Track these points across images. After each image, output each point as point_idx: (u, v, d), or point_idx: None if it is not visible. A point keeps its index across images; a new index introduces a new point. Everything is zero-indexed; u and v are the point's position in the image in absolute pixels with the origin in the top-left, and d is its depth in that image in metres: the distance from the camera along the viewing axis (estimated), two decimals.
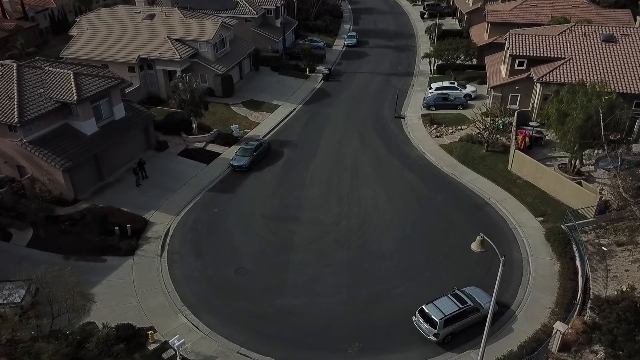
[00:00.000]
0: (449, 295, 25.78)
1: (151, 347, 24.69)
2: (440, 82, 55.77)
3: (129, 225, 32.36)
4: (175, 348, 23.66)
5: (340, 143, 45.47)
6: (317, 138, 46.55)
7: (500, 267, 18.88)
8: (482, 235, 20.02)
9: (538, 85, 45.15)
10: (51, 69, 38.05)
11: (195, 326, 26.11)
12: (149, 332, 24.92)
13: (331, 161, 42.31)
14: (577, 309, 26.28)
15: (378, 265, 30.23)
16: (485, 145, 42.64)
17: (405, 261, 30.52)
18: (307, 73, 62.42)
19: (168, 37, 51.89)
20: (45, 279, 22.92)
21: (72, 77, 36.45)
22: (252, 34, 65.21)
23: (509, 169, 40.00)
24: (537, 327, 25.52)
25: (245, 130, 47.29)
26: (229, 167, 41.11)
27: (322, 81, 60.59)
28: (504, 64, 50.83)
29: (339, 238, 32.67)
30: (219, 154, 43.28)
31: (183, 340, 23.95)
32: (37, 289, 26.12)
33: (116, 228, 32.17)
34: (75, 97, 35.36)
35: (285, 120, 50.52)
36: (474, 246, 20.19)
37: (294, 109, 52.86)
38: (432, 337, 24.48)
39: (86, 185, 36.81)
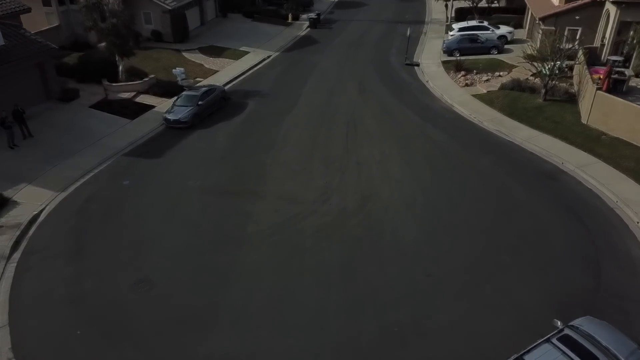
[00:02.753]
0: (554, 341, 12.22)
1: None
2: (465, 22, 42.36)
3: None
4: None
5: (331, 93, 31.89)
6: (297, 87, 32.94)
7: None
8: None
9: (612, 9, 31.82)
10: None
11: None
12: None
13: (317, 114, 28.73)
14: None
15: (395, 271, 16.68)
16: (543, 92, 29.28)
17: (443, 264, 17.01)
18: (290, 20, 48.93)
19: None
20: None
21: None
22: None
23: (585, 121, 26.64)
24: None
25: (197, 79, 33.55)
26: (162, 123, 27.64)
27: (309, 28, 47.08)
28: None
29: (326, 224, 19.11)
30: (153, 106, 29.65)
31: None
32: None
33: None
34: None
35: (255, 68, 36.93)
36: None
37: (269, 56, 39.23)
38: None
39: None
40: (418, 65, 37.23)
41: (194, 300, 15.45)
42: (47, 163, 23.37)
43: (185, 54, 38.15)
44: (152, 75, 32.33)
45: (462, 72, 34.41)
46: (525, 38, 40.11)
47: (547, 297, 15.44)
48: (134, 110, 29.16)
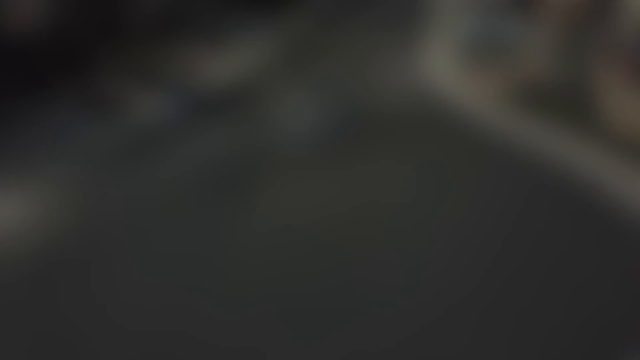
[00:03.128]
0: None
1: None
2: (482, 10, 40.18)
3: None
4: None
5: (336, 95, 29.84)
6: (298, 83, 30.97)
7: None
8: None
9: None
10: None
11: None
12: None
13: (317, 115, 26.69)
14: None
15: (402, 297, 14.46)
16: (561, 89, 27.06)
17: (456, 286, 14.80)
18: (289, 13, 46.96)
19: None
20: None
21: None
22: None
23: (614, 124, 24.36)
24: None
25: (192, 71, 31.59)
26: (152, 122, 25.55)
27: (311, 20, 45.21)
28: None
29: (325, 236, 16.99)
30: (142, 104, 27.65)
31: None
32: None
33: None
34: None
35: (257, 60, 34.85)
36: None
37: (267, 49, 37.27)
38: None
39: None
40: (427, 57, 35.10)
41: (165, 332, 13.25)
42: (9, 169, 21.28)
43: (179, 42, 36.08)
44: (144, 71, 30.27)
45: (477, 66, 32.25)
46: (541, 28, 37.88)
47: (585, 329, 13.16)
48: (120, 108, 27.11)
